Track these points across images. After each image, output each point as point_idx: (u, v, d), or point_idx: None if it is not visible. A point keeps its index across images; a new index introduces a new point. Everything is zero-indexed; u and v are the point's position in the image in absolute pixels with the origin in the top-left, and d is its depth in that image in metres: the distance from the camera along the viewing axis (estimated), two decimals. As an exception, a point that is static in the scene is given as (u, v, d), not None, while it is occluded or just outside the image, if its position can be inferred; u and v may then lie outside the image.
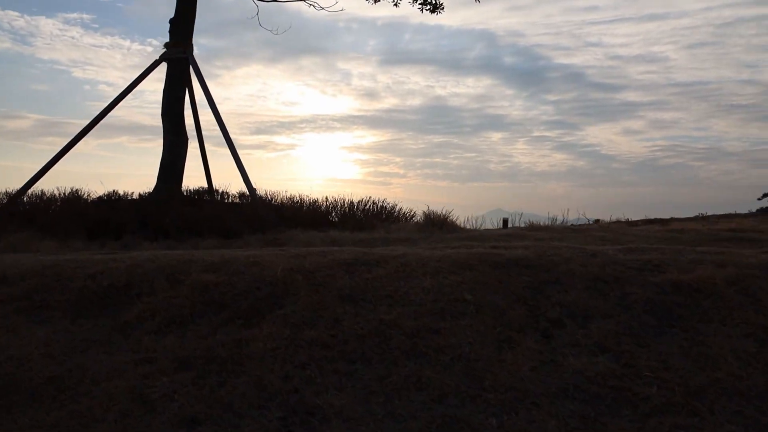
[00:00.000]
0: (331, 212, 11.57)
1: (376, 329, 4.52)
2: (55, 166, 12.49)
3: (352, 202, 11.34)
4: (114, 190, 13.85)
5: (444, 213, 9.97)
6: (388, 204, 11.66)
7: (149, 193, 12.72)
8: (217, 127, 12.26)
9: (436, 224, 9.38)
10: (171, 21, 13.02)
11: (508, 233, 8.71)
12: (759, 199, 73.60)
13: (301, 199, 13.19)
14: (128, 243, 9.11)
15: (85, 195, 12.93)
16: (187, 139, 12.64)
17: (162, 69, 13.14)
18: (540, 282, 5.25)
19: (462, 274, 5.38)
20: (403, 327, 4.56)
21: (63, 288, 5.50)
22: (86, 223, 9.24)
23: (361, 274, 5.41)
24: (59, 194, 11.68)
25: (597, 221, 21.57)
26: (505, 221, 25.48)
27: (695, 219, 22.97)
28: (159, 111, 12.40)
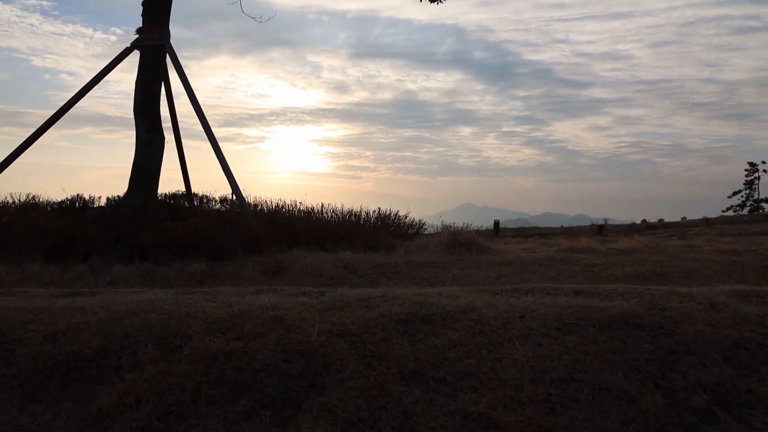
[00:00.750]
0: (332, 220, 10.15)
1: (464, 427, 3.18)
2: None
3: (358, 214, 9.97)
4: (78, 195, 12.18)
5: (465, 228, 8.66)
6: (398, 215, 10.32)
7: (120, 199, 11.09)
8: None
9: (463, 244, 8.08)
10: (144, 2, 11.35)
11: (550, 257, 7.47)
12: (729, 196, 74.07)
13: (293, 207, 11.75)
14: (97, 266, 7.58)
15: (44, 202, 11.25)
16: (164, 138, 11.06)
17: (133, 58, 11.53)
18: (665, 351, 3.92)
19: (560, 339, 4.03)
20: (502, 425, 3.22)
21: (8, 356, 3.99)
22: (46, 241, 7.68)
23: (424, 338, 4.02)
24: (13, 202, 9.99)
25: (602, 226, 20.67)
26: (497, 225, 24.35)
27: (698, 224, 22.22)
28: (125, 101, 10.87)
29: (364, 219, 9.90)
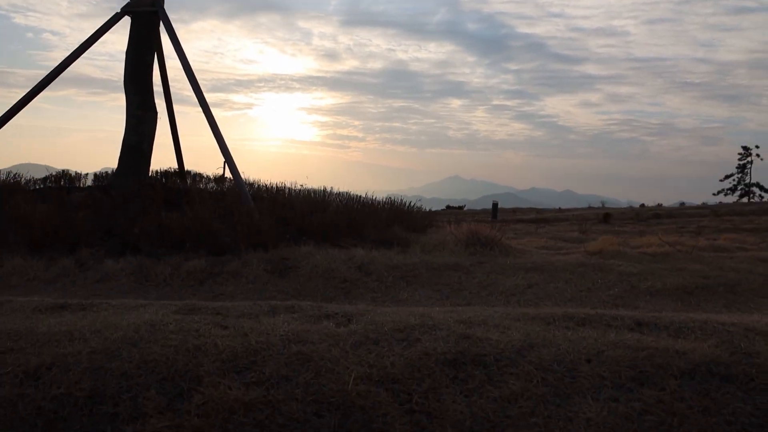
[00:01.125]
0: (339, 209, 9.45)
1: None
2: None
3: (368, 202, 9.32)
4: (64, 172, 11.38)
5: (483, 227, 8.01)
6: (410, 206, 9.68)
7: (109, 178, 10.34)
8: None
9: (483, 243, 7.48)
10: (136, -36, 10.47)
11: (581, 263, 6.88)
12: (721, 180, 74.02)
13: (294, 190, 11.06)
14: (85, 260, 6.91)
15: (29, 180, 10.46)
16: (156, 115, 10.25)
17: (123, 22, 10.61)
18: (763, 413, 3.39)
19: (638, 392, 3.42)
20: None
21: (-20, 400, 3.35)
22: (28, 232, 6.97)
23: (480, 387, 3.39)
24: (-7, 183, 9.23)
25: (608, 214, 20.04)
26: (495, 207, 23.72)
27: (705, 215, 21.65)
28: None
29: (373, 207, 9.25)
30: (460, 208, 62.95)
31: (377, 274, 6.56)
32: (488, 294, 6.05)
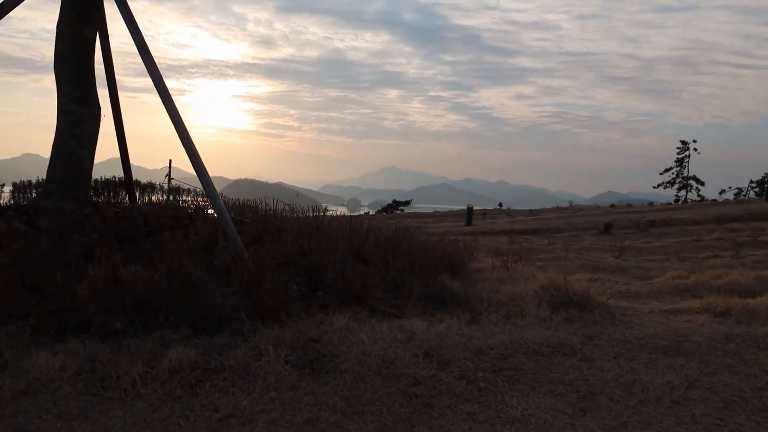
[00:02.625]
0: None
1: None
2: None
3: (398, 235, 7.07)
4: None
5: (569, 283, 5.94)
6: (444, 241, 7.52)
7: (35, 199, 7.55)
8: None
9: (574, 302, 5.46)
10: None
11: (725, 335, 4.98)
12: (661, 173, 75.34)
13: (273, 209, 8.70)
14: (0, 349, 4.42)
15: None
16: (100, 111, 7.57)
17: None
18: None
19: None
20: None
21: None
22: None
23: None
24: None
25: (609, 225, 18.46)
26: (470, 212, 21.77)
27: (708, 221, 20.47)
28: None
29: (405, 244, 7.00)
30: (407, 203, 60.88)
31: (459, 367, 4.41)
32: (639, 403, 4.05)
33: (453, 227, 20.41)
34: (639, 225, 17.13)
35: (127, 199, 8.80)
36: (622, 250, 10.38)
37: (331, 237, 7.50)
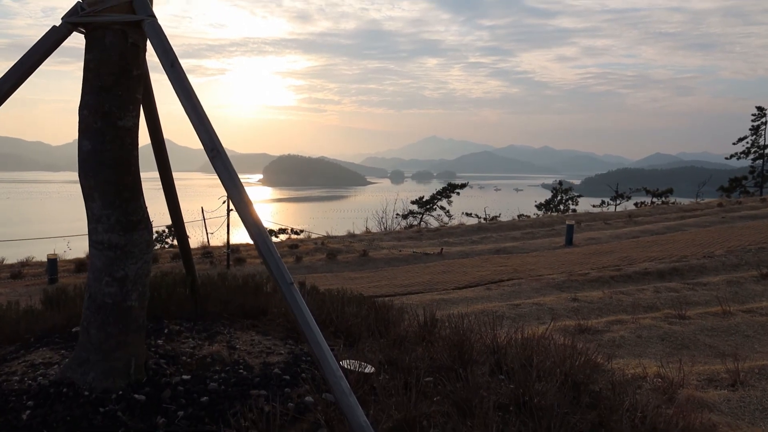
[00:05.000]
0: None
1: None
2: None
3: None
4: None
5: None
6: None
7: (61, 370, 4.84)
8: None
9: None
10: None
11: None
12: (734, 143, 69.26)
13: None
14: None
15: None
16: (151, 234, 4.77)
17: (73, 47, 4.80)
18: None
19: None
20: None
21: None
22: None
23: None
24: None
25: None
26: (571, 228, 18.57)
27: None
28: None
29: None
30: (462, 186, 55.65)
31: None
32: None
33: (550, 245, 17.57)
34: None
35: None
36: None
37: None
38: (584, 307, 9.19)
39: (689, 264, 12.61)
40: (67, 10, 4.19)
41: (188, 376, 4.58)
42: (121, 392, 4.37)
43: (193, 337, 5.62)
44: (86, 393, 4.30)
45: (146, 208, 4.71)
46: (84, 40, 4.40)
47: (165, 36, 4.10)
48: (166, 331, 5.79)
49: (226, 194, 12.73)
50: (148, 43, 4.28)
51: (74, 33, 4.20)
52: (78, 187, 4.60)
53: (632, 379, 5.32)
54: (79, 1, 4.24)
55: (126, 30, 4.17)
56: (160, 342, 5.45)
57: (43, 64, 4.26)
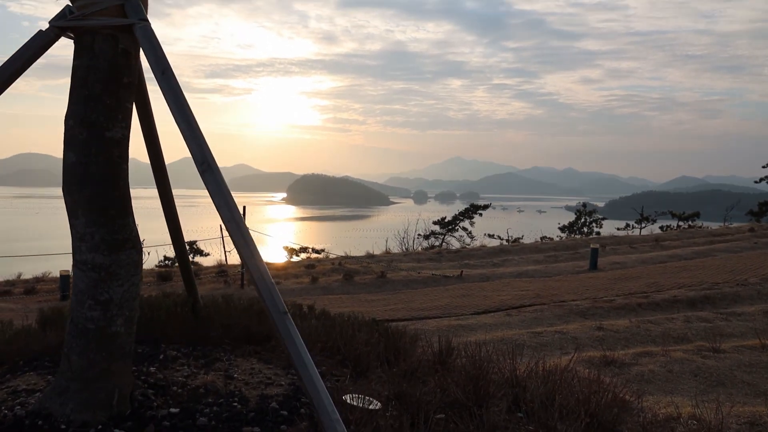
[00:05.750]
0: None
1: None
2: None
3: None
4: None
5: None
6: None
7: (39, 401, 4.26)
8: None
9: None
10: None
11: None
12: (764, 166, 67.56)
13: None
14: None
15: None
16: (140, 255, 4.40)
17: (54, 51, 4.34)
18: None
19: None
20: None
21: None
22: None
23: None
24: None
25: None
26: (595, 252, 17.85)
27: None
28: None
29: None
30: (485, 207, 54.16)
31: None
32: None
33: (574, 269, 16.99)
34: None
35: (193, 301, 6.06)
36: None
37: None
38: (610, 336, 8.68)
39: (721, 292, 11.98)
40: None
41: (177, 410, 4.23)
42: (100, 426, 4.05)
43: (189, 364, 5.28)
44: (63, 426, 3.99)
45: (135, 226, 4.40)
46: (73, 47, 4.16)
47: (157, 42, 3.82)
48: (161, 356, 5.47)
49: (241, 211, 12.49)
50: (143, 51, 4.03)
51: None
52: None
53: (664, 421, 4.86)
54: (68, 5, 4.01)
55: (117, 35, 3.91)
56: (152, 369, 5.12)
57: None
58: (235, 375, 4.94)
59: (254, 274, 3.15)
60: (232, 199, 3.37)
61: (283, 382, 4.82)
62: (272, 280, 3.24)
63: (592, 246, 17.30)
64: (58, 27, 3.87)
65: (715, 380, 6.42)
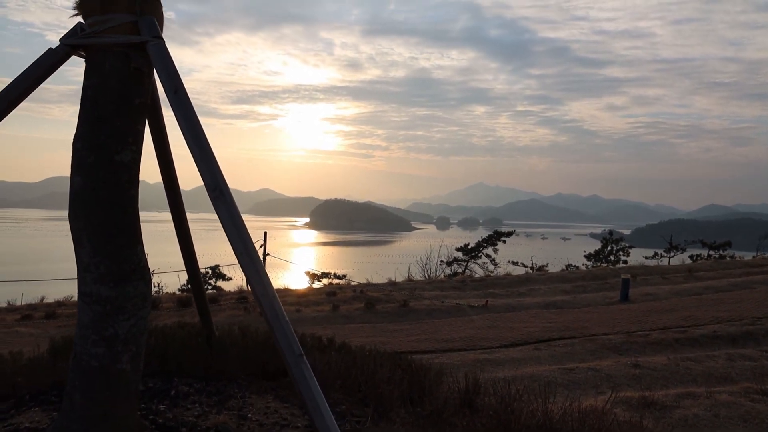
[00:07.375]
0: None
1: None
2: None
3: None
4: None
5: None
6: None
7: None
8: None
9: None
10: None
11: None
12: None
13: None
14: None
15: None
16: (149, 287, 4.11)
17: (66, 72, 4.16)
18: None
19: None
20: None
21: None
22: None
23: None
24: None
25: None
26: (627, 283, 17.11)
27: None
28: None
29: None
30: (509, 234, 53.00)
31: None
32: None
33: (603, 300, 16.38)
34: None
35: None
36: None
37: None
38: (647, 374, 8.16)
39: (765, 328, 11.34)
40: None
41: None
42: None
43: (202, 402, 4.96)
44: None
45: (144, 255, 4.12)
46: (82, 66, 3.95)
47: (171, 60, 3.58)
48: (173, 392, 5.16)
49: (262, 237, 12.27)
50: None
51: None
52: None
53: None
54: (79, 22, 3.80)
55: (129, 53, 3.67)
56: (162, 407, 4.81)
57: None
58: (249, 414, 4.62)
59: (268, 314, 2.85)
60: (245, 229, 3.07)
61: (299, 424, 4.48)
62: (287, 319, 2.93)
63: (623, 276, 16.70)
64: (69, 45, 3.67)
65: (767, 427, 5.91)
